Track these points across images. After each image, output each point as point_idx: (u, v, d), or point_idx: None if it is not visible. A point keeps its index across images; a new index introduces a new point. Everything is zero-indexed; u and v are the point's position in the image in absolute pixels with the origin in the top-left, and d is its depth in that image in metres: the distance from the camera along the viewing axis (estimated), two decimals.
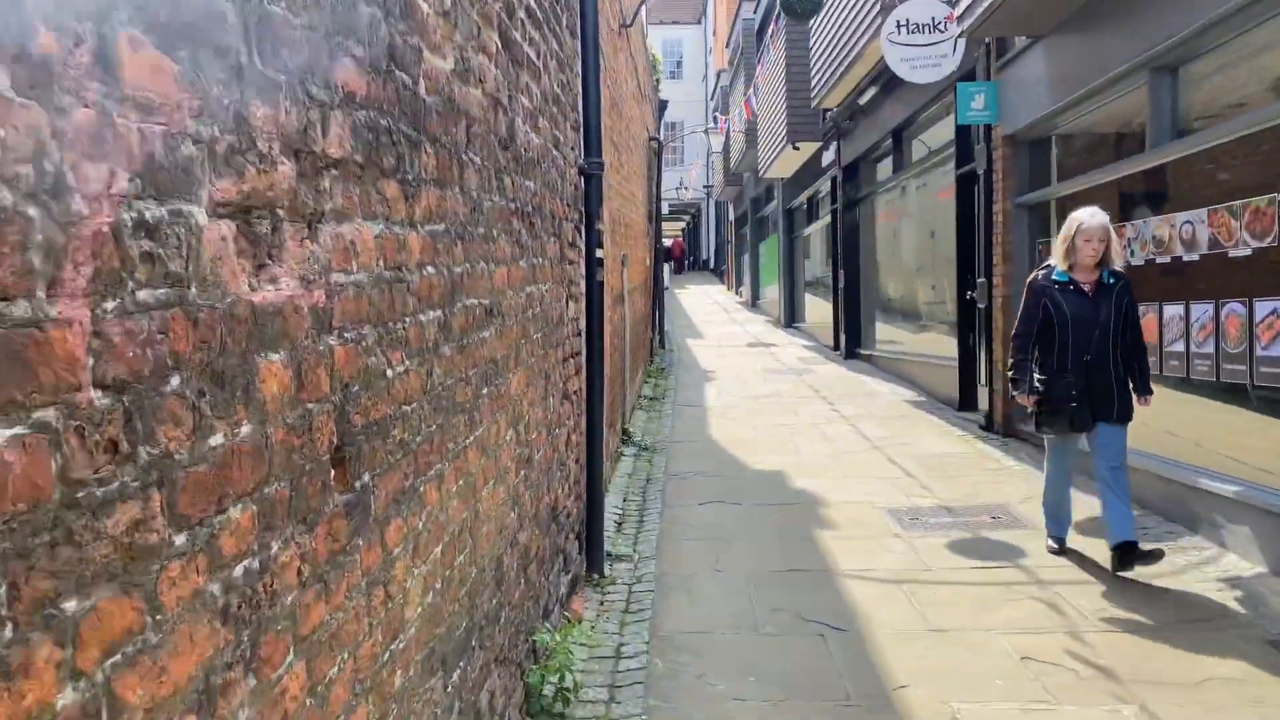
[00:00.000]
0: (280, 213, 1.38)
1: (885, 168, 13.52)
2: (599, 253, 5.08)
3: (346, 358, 1.63)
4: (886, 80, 11.58)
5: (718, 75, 31.87)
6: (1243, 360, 5.23)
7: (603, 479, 5.52)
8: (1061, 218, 7.91)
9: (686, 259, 47.84)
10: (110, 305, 0.97)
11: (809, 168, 17.86)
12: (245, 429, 1.28)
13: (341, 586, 1.62)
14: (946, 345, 10.39)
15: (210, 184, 1.18)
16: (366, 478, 1.75)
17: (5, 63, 0.82)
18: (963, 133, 9.47)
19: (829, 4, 11.94)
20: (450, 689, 2.32)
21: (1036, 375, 4.97)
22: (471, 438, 2.56)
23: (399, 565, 1.94)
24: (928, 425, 9.25)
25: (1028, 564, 5.18)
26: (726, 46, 28.42)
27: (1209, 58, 5.71)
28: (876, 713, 3.59)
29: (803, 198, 19.80)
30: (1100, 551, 5.25)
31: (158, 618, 1.05)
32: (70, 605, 0.91)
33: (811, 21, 13.87)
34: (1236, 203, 5.24)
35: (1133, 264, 6.38)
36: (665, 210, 24.26)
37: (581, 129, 4.97)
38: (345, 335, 1.63)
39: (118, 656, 0.98)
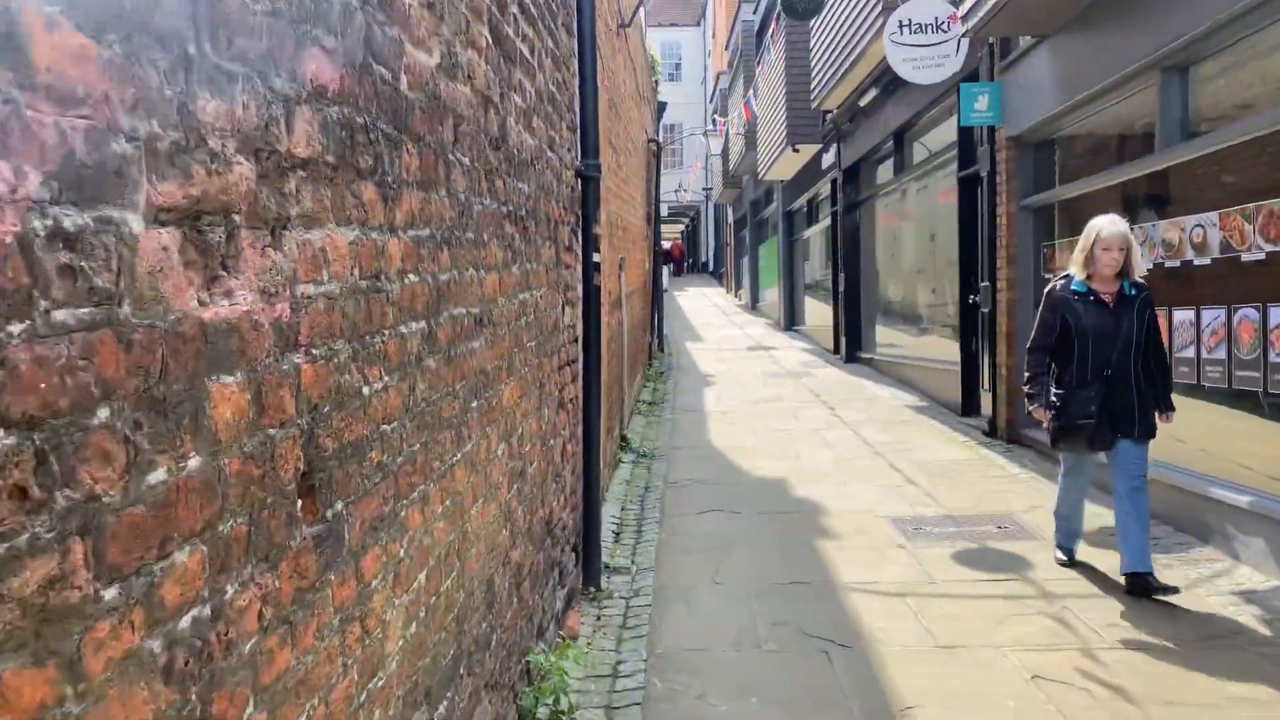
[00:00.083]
0: (237, 218, 1.24)
1: (886, 170, 13.39)
2: (596, 257, 4.95)
3: (315, 376, 1.50)
4: (888, 81, 11.46)
5: (717, 77, 31.76)
6: (1256, 367, 5.10)
7: (600, 489, 5.38)
8: (1067, 221, 7.80)
9: (685, 261, 47.72)
10: (16, 329, 0.83)
11: (809, 170, 17.73)
12: (193, 462, 1.14)
13: (310, 627, 1.49)
14: (948, 349, 10.25)
15: (150, 187, 1.04)
16: (339, 506, 1.61)
17: None
18: (965, 134, 9.35)
19: (830, 4, 11.81)
20: None
21: (1053, 390, 4.77)
22: (459, 454, 2.42)
23: (377, 598, 1.80)
24: (930, 431, 9.12)
25: (1036, 577, 5.05)
26: (726, 49, 28.30)
27: (1220, 58, 5.58)
28: None
29: (802, 200, 19.67)
30: (1110, 563, 5.11)
31: (80, 687, 0.92)
32: None
33: (812, 22, 13.75)
34: (1250, 206, 5.11)
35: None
36: (664, 213, 24.15)
37: (578, 130, 4.84)
38: (314, 352, 1.49)
39: None
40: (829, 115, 14.71)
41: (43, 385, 0.86)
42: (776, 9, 17.15)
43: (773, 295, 23.47)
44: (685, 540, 5.89)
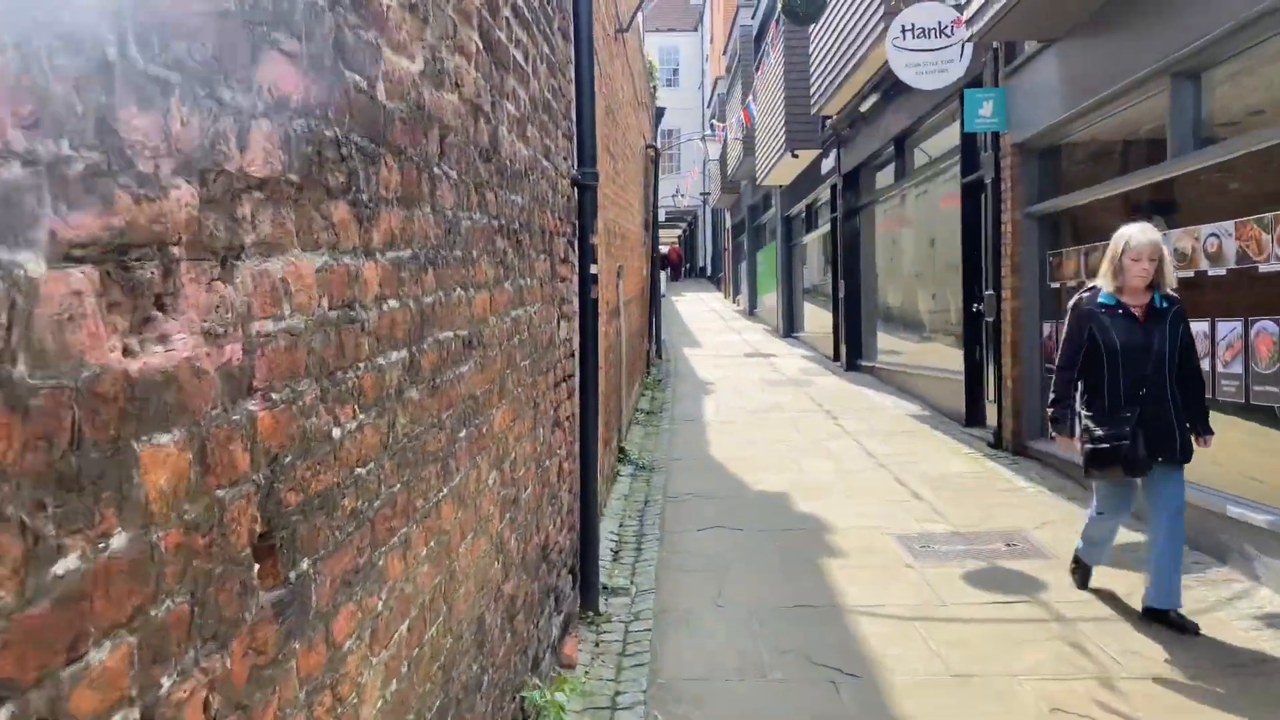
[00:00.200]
0: (175, 250, 1.07)
1: (886, 176, 13.25)
2: (593, 268, 4.78)
3: (275, 424, 1.32)
4: (889, 87, 11.31)
5: (715, 82, 31.63)
6: (1275, 381, 4.94)
7: (598, 507, 5.21)
8: (1074, 229, 7.65)
9: (683, 266, 47.59)
10: None
11: (808, 175, 17.59)
12: (118, 540, 0.97)
13: (270, 707, 1.31)
14: (952, 358, 10.09)
15: (56, 219, 0.87)
16: (305, 565, 1.44)
17: None
18: (968, 141, 9.20)
19: (830, 9, 11.67)
20: None
21: (1084, 414, 4.46)
22: (446, 489, 2.25)
23: (351, 659, 1.63)
24: (934, 442, 8.95)
25: (1049, 599, 4.87)
26: (724, 54, 28.17)
27: (1233, 63, 5.42)
28: None
29: (801, 206, 19.52)
30: (1124, 584, 4.95)
31: None
32: None
33: (812, 27, 13.60)
34: (1268, 215, 4.95)
35: None
36: (662, 218, 24.00)
37: (575, 137, 4.67)
38: (273, 396, 1.32)
39: None
40: (829, 121, 14.56)
41: None
42: (775, 14, 17.01)
43: (771, 301, 23.31)
44: (686, 559, 5.71)
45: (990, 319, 8.68)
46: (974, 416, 9.40)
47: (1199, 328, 5.53)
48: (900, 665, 4.13)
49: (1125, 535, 5.75)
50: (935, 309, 11.16)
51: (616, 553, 5.87)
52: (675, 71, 43.26)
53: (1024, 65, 7.73)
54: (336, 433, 1.55)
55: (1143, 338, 4.31)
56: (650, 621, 4.71)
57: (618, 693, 3.94)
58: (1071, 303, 4.60)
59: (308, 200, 1.44)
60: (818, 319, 18.10)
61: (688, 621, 4.71)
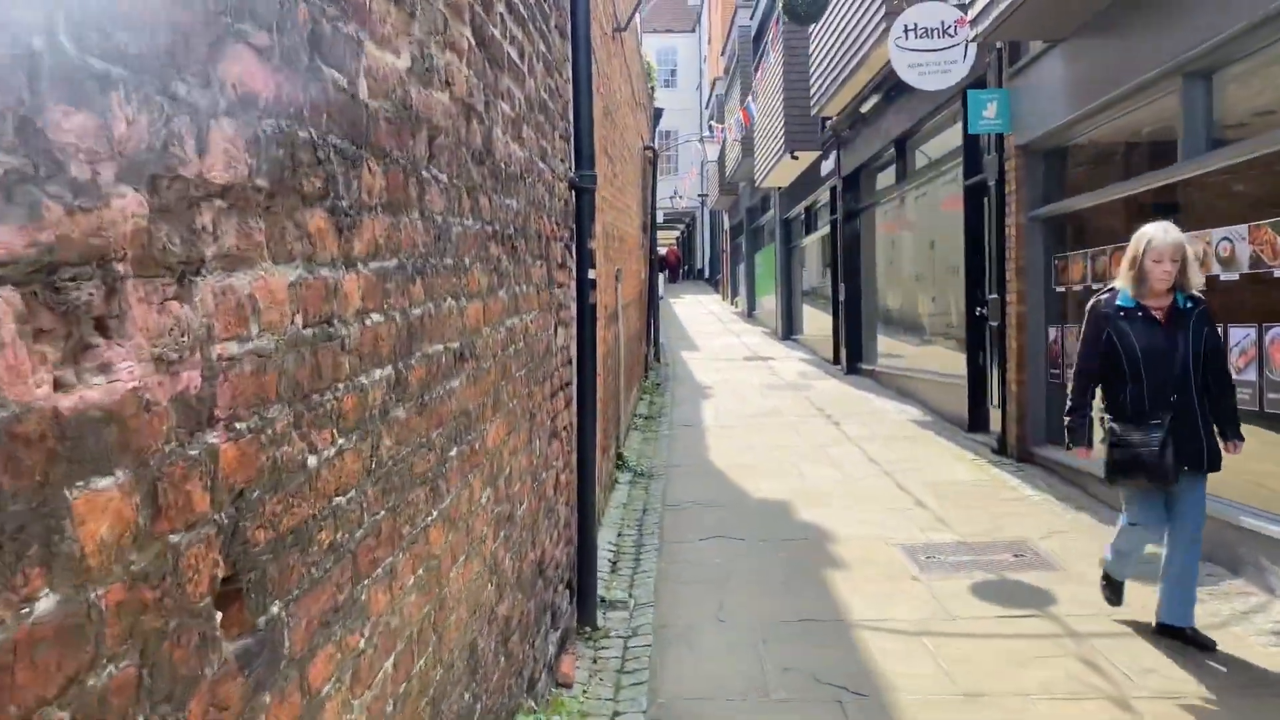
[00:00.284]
0: (120, 267, 0.94)
1: (887, 178, 13.13)
2: (591, 273, 4.65)
3: (240, 456, 1.20)
4: (890, 88, 11.20)
5: (713, 83, 31.53)
6: None
7: (595, 519, 5.08)
8: (1080, 232, 7.53)
9: (681, 268, 47.48)
10: None
11: (807, 177, 17.47)
12: (45, 604, 0.84)
13: None
14: (954, 363, 9.97)
15: None
16: (276, 608, 1.31)
17: None
18: (971, 142, 9.08)
19: (831, 8, 11.55)
20: None
21: (1109, 419, 4.21)
22: (435, 512, 2.12)
23: (330, 705, 1.50)
24: (937, 448, 8.83)
25: (1058, 612, 4.75)
26: (722, 54, 28.07)
27: (1246, 63, 5.31)
28: None
29: (800, 208, 19.41)
30: (1135, 596, 4.82)
31: None
32: None
33: (811, 27, 13.49)
34: None
35: None
36: (659, 219, 23.89)
37: (572, 139, 4.55)
38: (238, 426, 1.19)
39: None
40: (828, 122, 14.44)
41: None
42: (775, 14, 16.90)
43: (770, 303, 23.19)
44: (686, 570, 5.58)
45: (994, 323, 8.56)
46: (977, 422, 9.28)
47: None
48: (908, 684, 4.01)
49: (1147, 547, 5.64)
50: (937, 312, 11.04)
51: (614, 564, 5.74)
52: (673, 73, 43.17)
53: (1028, 66, 7.62)
54: (312, 461, 1.43)
55: (1165, 342, 4.08)
56: (650, 637, 4.59)
57: (616, 713, 3.82)
58: (1089, 305, 4.38)
59: (279, 208, 1.32)
60: (817, 322, 17.98)
61: (688, 637, 4.58)
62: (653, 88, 17.88)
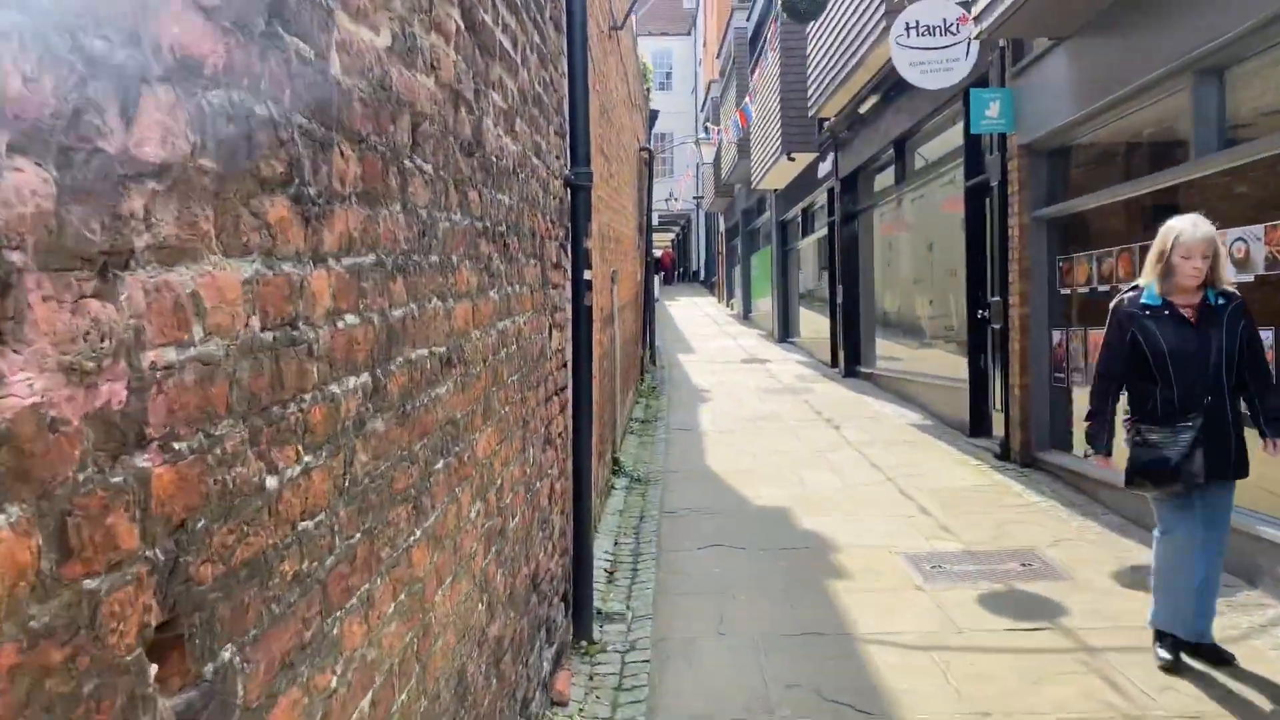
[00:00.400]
0: (15, 258, 0.78)
1: (886, 179, 12.99)
2: (587, 274, 4.49)
3: (179, 482, 1.03)
4: (889, 88, 11.06)
5: (708, 85, 31.39)
6: None
7: (592, 527, 4.91)
8: (1085, 233, 7.38)
9: (676, 270, 47.34)
10: None
11: (804, 179, 17.33)
12: None
13: None
14: (955, 366, 9.82)
15: None
16: (227, 653, 1.14)
17: None
18: (973, 143, 8.93)
19: (830, 7, 11.40)
20: None
21: (1135, 420, 3.96)
22: (419, 531, 1.95)
23: None
24: (939, 453, 8.67)
25: (1070, 625, 4.59)
26: (718, 56, 27.93)
27: (1260, 59, 5.16)
28: None
29: (797, 210, 19.26)
30: (1145, 605, 4.67)
31: None
32: None
33: (809, 27, 13.35)
34: None
35: None
36: (655, 222, 23.74)
37: (568, 135, 4.38)
38: (176, 446, 1.02)
39: None
40: (826, 123, 14.30)
41: None
42: (771, 14, 16.77)
43: (766, 306, 23.05)
44: (685, 581, 5.41)
45: (997, 326, 8.41)
46: (979, 426, 9.13)
47: None
48: (917, 702, 3.84)
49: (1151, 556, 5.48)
50: (937, 315, 10.89)
51: (611, 574, 5.57)
52: (668, 75, 43.03)
53: (1033, 64, 7.47)
54: (272, 483, 1.26)
55: (1196, 342, 3.82)
56: (648, 651, 4.42)
57: None
58: (1112, 304, 4.11)
59: (232, 193, 1.15)
60: (814, 324, 17.84)
61: (688, 652, 4.41)
62: (648, 89, 17.73)
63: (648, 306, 15.32)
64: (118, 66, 0.91)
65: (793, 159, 15.95)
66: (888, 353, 12.99)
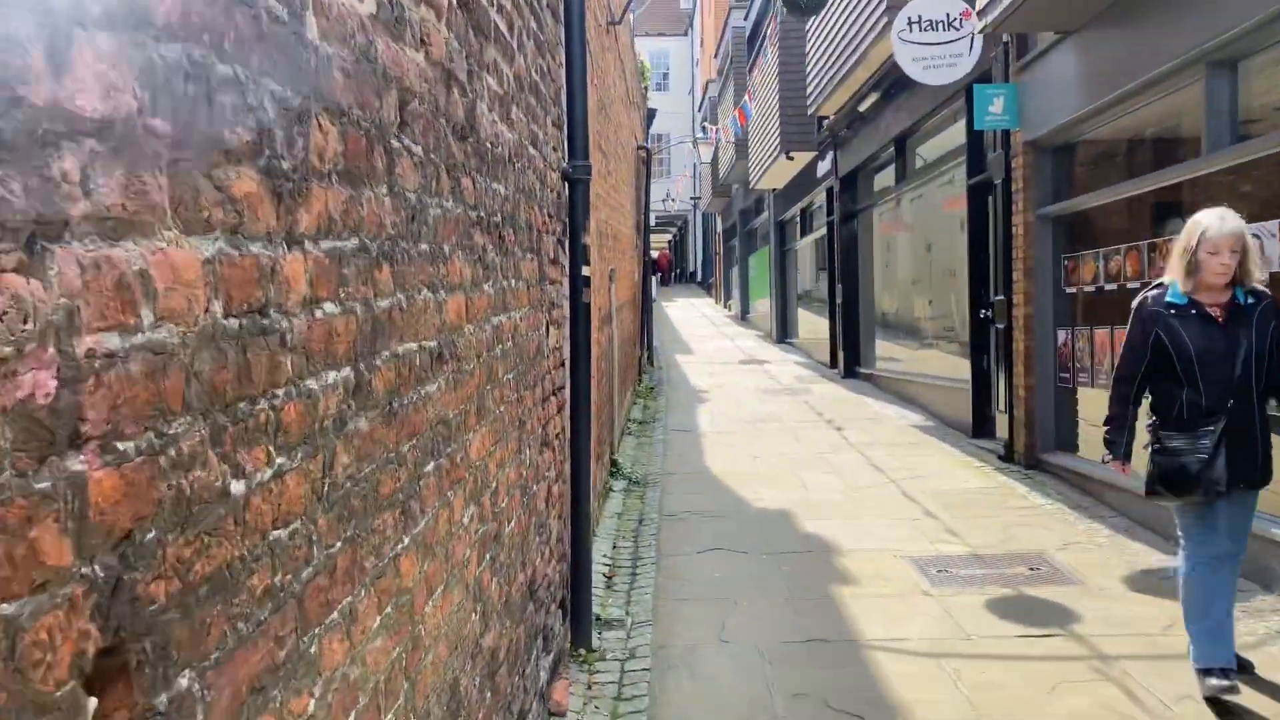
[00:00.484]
0: None
1: (886, 178, 12.87)
2: (585, 270, 4.35)
3: (123, 487, 0.89)
4: (889, 85, 10.95)
5: (705, 85, 31.28)
6: None
7: (590, 531, 4.77)
8: (1092, 231, 7.26)
9: (673, 271, 47.24)
10: None
11: (802, 178, 17.21)
12: None
13: None
14: (957, 366, 9.70)
15: None
16: (185, 680, 1.01)
17: None
18: (975, 140, 8.82)
19: (830, 4, 11.28)
20: None
21: (1155, 424, 3.76)
22: (407, 538, 1.82)
23: None
24: (942, 455, 8.55)
25: (1082, 631, 4.47)
26: (715, 56, 27.81)
27: (1275, 51, 5.04)
28: None
29: (795, 209, 19.15)
30: (1166, 614, 4.55)
31: None
32: None
33: (808, 25, 13.25)
34: None
35: None
36: (652, 222, 23.63)
37: (565, 127, 4.26)
38: (120, 447, 0.89)
39: None
40: (825, 122, 14.18)
41: None
42: (770, 12, 16.65)
43: (764, 306, 22.93)
44: (685, 586, 5.28)
45: (1001, 326, 8.29)
46: (981, 427, 9.01)
47: None
48: (928, 712, 3.72)
49: (1164, 559, 5.37)
50: (939, 315, 10.78)
51: (610, 579, 5.43)
52: (665, 76, 42.93)
53: (1038, 59, 7.35)
54: (238, 487, 1.12)
55: (1225, 342, 3.60)
56: (648, 660, 4.28)
57: None
58: (1134, 303, 3.86)
59: (191, 161, 1.02)
60: (812, 325, 17.72)
61: (690, 661, 4.28)
62: (646, 88, 17.61)
63: (645, 307, 15.20)
64: (42, 8, 0.78)
65: (791, 158, 15.83)
66: (888, 353, 12.87)
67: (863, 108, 12.22)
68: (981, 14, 6.97)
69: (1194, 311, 3.67)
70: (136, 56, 0.91)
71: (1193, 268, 3.64)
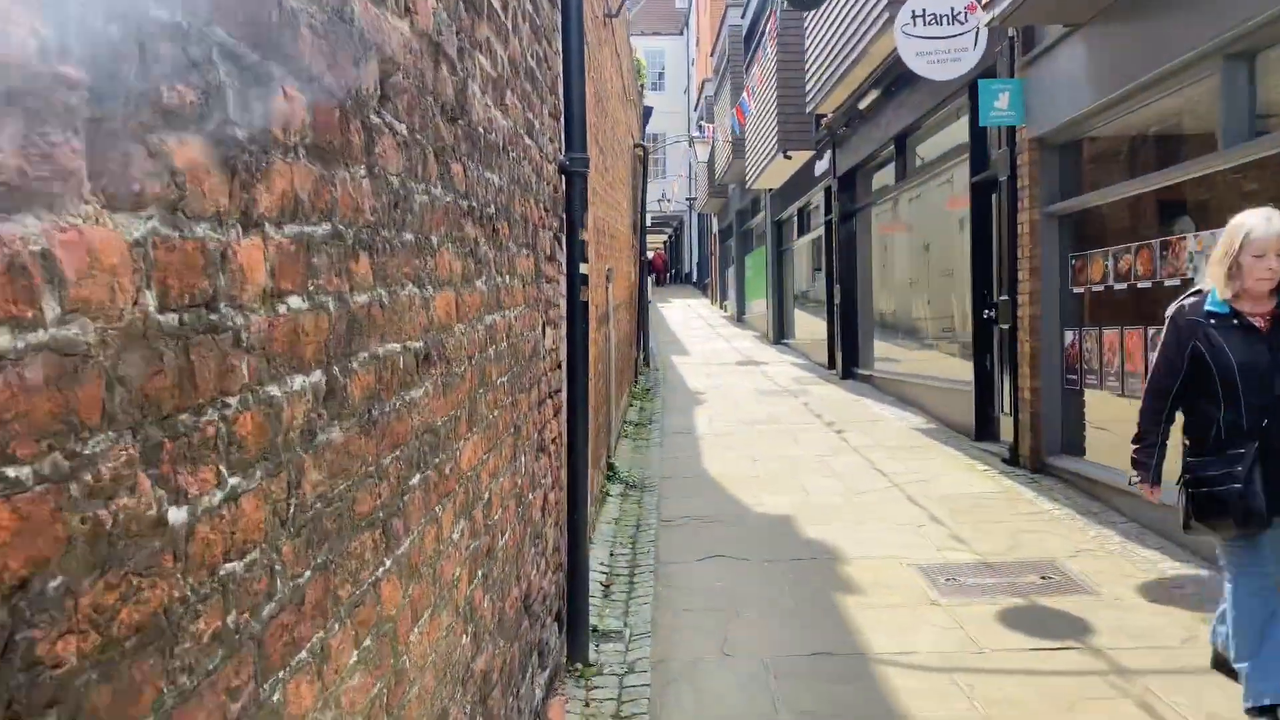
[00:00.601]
0: None
1: (885, 176, 12.71)
2: (583, 268, 4.17)
3: (18, 523, 0.71)
4: (890, 82, 10.79)
5: (701, 84, 31.12)
6: None
7: (587, 539, 4.59)
8: (1101, 229, 7.10)
9: (669, 272, 47.07)
10: None
11: (800, 178, 17.05)
12: None
13: None
14: (959, 368, 9.54)
15: None
16: None
17: None
18: (979, 137, 8.66)
19: (830, 1, 11.12)
20: None
21: (1186, 448, 3.47)
22: (388, 561, 1.64)
23: None
24: (945, 458, 8.38)
25: (1100, 644, 4.29)
26: (711, 55, 27.65)
27: None
28: None
29: (792, 209, 18.98)
30: (1186, 625, 4.39)
31: None
32: None
33: (808, 21, 13.09)
34: None
35: (1196, 282, 5.56)
36: (647, 222, 23.47)
37: (562, 117, 4.07)
38: (13, 472, 0.71)
39: None
40: (823, 120, 14.02)
41: None
42: (768, 9, 16.49)
43: (760, 307, 22.76)
44: (685, 596, 5.10)
45: (1005, 327, 8.12)
46: (985, 430, 8.84)
47: None
48: None
49: (1177, 566, 5.21)
50: (940, 315, 10.61)
51: (607, 588, 5.25)
52: (660, 75, 42.74)
53: (1044, 54, 7.19)
54: (178, 516, 0.94)
55: (1269, 355, 3.31)
56: (648, 674, 4.10)
57: None
58: (1170, 312, 3.55)
59: (113, 122, 0.83)
60: (809, 326, 17.56)
61: (691, 674, 4.10)
62: (642, 85, 17.43)
63: (641, 307, 15.02)
64: None
65: (789, 157, 15.66)
66: (887, 355, 12.71)
67: (862, 105, 12.06)
68: (987, 7, 6.81)
69: (1235, 321, 3.37)
70: None
71: (1235, 273, 3.35)
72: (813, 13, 11.85)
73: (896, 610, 4.79)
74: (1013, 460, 7.84)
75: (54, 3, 0.76)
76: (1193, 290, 3.59)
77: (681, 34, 42.37)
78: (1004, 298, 8.12)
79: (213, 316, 1.01)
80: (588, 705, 3.83)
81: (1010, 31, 7.53)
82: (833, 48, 11.46)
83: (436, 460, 1.95)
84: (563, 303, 4.11)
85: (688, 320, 26.70)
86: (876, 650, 4.30)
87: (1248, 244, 3.32)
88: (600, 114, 7.18)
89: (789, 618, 4.72)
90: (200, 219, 0.98)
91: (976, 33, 7.83)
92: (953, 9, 7.78)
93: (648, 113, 18.21)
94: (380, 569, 1.59)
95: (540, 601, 3.53)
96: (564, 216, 4.09)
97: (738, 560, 5.66)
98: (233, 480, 1.06)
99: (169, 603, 0.93)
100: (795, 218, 19.15)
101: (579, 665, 4.13)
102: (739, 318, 26.66)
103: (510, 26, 2.90)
